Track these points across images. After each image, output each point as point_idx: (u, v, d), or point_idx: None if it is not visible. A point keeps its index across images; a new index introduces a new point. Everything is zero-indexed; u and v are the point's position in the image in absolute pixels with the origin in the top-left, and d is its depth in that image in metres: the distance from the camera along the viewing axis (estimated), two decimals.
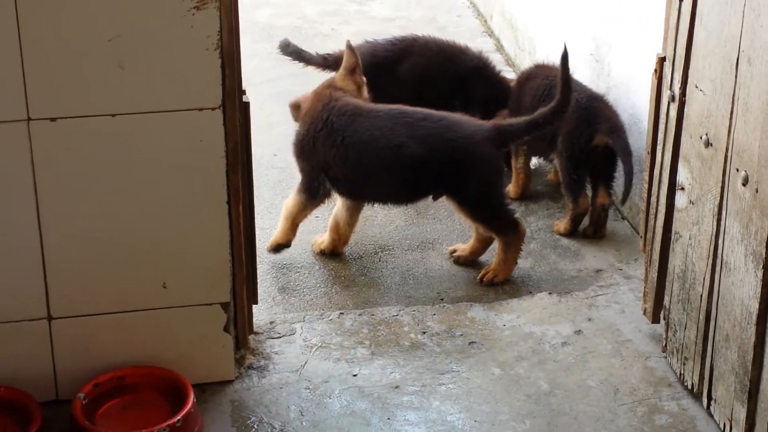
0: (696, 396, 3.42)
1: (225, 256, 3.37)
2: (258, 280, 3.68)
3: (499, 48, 6.14)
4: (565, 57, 3.98)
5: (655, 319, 3.69)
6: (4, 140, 3.09)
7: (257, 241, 3.66)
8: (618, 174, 4.37)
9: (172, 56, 3.11)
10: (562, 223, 4.44)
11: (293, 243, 4.25)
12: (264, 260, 4.08)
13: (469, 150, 3.99)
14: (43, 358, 3.32)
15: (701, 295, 3.32)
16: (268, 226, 4.35)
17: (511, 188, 4.70)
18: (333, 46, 5.36)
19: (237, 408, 3.38)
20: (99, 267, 3.28)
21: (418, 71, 4.75)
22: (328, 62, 4.81)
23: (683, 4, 3.32)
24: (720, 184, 3.17)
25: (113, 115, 3.14)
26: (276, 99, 4.88)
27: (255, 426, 3.30)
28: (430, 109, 4.16)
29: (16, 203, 3.15)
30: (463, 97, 4.73)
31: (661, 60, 3.52)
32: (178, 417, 3.14)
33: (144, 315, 3.36)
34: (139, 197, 3.23)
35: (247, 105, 3.39)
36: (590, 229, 4.41)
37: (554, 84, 4.49)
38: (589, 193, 4.43)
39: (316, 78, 4.87)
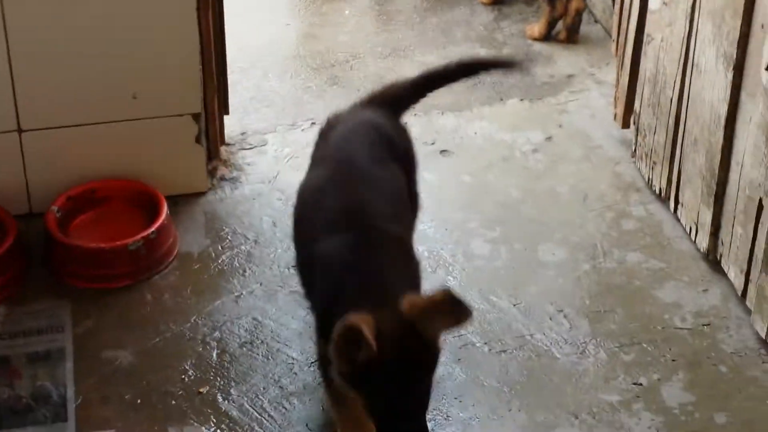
0: (663, 200, 3.45)
1: (195, 65, 3.33)
2: (229, 90, 3.66)
3: None
4: None
5: (626, 125, 3.70)
6: None
7: (228, 50, 3.61)
8: None
9: None
10: (536, 27, 4.39)
11: (263, 47, 4.25)
12: (234, 69, 4.03)
13: None
14: (15, 171, 3.31)
15: (671, 99, 3.32)
16: (238, 34, 4.28)
17: None
18: None
19: (210, 219, 3.40)
20: (68, 78, 3.24)
21: None
22: None
23: None
24: None
25: None
26: None
27: (229, 237, 3.33)
28: None
29: None
30: None
31: None
32: (152, 229, 3.17)
33: (114, 127, 3.34)
34: (106, 5, 3.18)
35: None
36: (564, 33, 4.37)
37: None
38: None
39: None
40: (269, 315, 3.06)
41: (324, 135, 2.86)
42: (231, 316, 3.06)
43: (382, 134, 2.79)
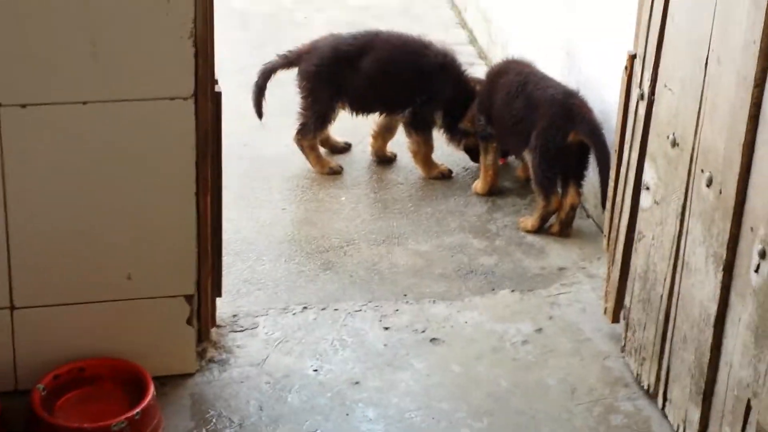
0: (652, 397, 3.43)
1: (191, 248, 3.36)
2: (223, 273, 3.69)
3: (473, 40, 6.14)
4: None
5: (616, 319, 3.71)
6: None
7: (224, 232, 3.66)
8: (590, 172, 4.39)
9: (146, 44, 3.09)
10: (530, 220, 4.45)
11: (259, 230, 4.31)
12: (229, 252, 4.08)
13: None
14: (4, 348, 3.30)
15: (661, 296, 3.34)
16: (235, 217, 4.35)
17: (478, 184, 4.71)
18: (306, 34, 5.35)
19: (197, 401, 3.38)
20: (64, 257, 3.27)
21: (380, 65, 4.76)
22: (290, 59, 4.83)
23: (655, 2, 3.33)
24: (685, 185, 3.19)
25: (84, 103, 3.12)
26: (248, 88, 4.86)
27: (214, 420, 3.31)
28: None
29: None
30: (425, 94, 4.75)
31: (632, 57, 3.53)
32: (137, 410, 3.14)
33: (107, 306, 3.35)
34: (107, 186, 3.22)
35: (219, 95, 3.37)
36: (557, 227, 4.42)
37: (528, 80, 4.51)
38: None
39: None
40: None
41: None
42: None
43: None
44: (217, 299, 3.68)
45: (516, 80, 4.55)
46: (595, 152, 4.28)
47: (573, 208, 4.40)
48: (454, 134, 4.81)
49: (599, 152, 4.26)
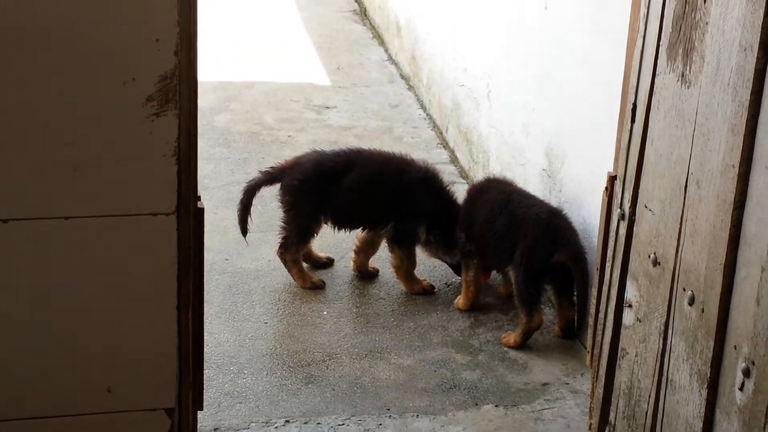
0: None
1: (172, 361, 3.33)
2: (204, 386, 3.65)
3: (454, 160, 6.21)
4: None
5: None
6: None
7: (205, 346, 3.63)
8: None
9: (129, 161, 3.10)
10: (512, 336, 4.45)
11: (241, 343, 4.29)
12: (211, 365, 4.06)
13: None
14: None
15: (646, 412, 3.33)
16: (216, 331, 4.34)
17: (460, 300, 4.72)
18: (289, 152, 5.42)
19: None
20: (43, 369, 3.23)
21: (362, 181, 4.81)
22: (273, 175, 4.87)
23: (635, 125, 3.39)
24: (667, 303, 3.20)
25: (66, 218, 3.12)
26: (230, 204, 4.90)
27: None
28: None
29: None
30: (408, 209, 4.78)
31: (612, 178, 3.58)
32: None
33: (87, 419, 3.30)
34: (88, 300, 3.20)
35: (201, 211, 3.38)
36: (558, 331, 4.50)
37: (511, 198, 4.56)
38: (544, 306, 4.46)
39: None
40: None
41: None
42: None
43: None
44: (199, 412, 3.63)
45: (499, 198, 4.60)
46: (576, 277, 4.32)
47: (569, 320, 4.44)
48: (451, 246, 4.80)
49: (579, 277, 4.31)
